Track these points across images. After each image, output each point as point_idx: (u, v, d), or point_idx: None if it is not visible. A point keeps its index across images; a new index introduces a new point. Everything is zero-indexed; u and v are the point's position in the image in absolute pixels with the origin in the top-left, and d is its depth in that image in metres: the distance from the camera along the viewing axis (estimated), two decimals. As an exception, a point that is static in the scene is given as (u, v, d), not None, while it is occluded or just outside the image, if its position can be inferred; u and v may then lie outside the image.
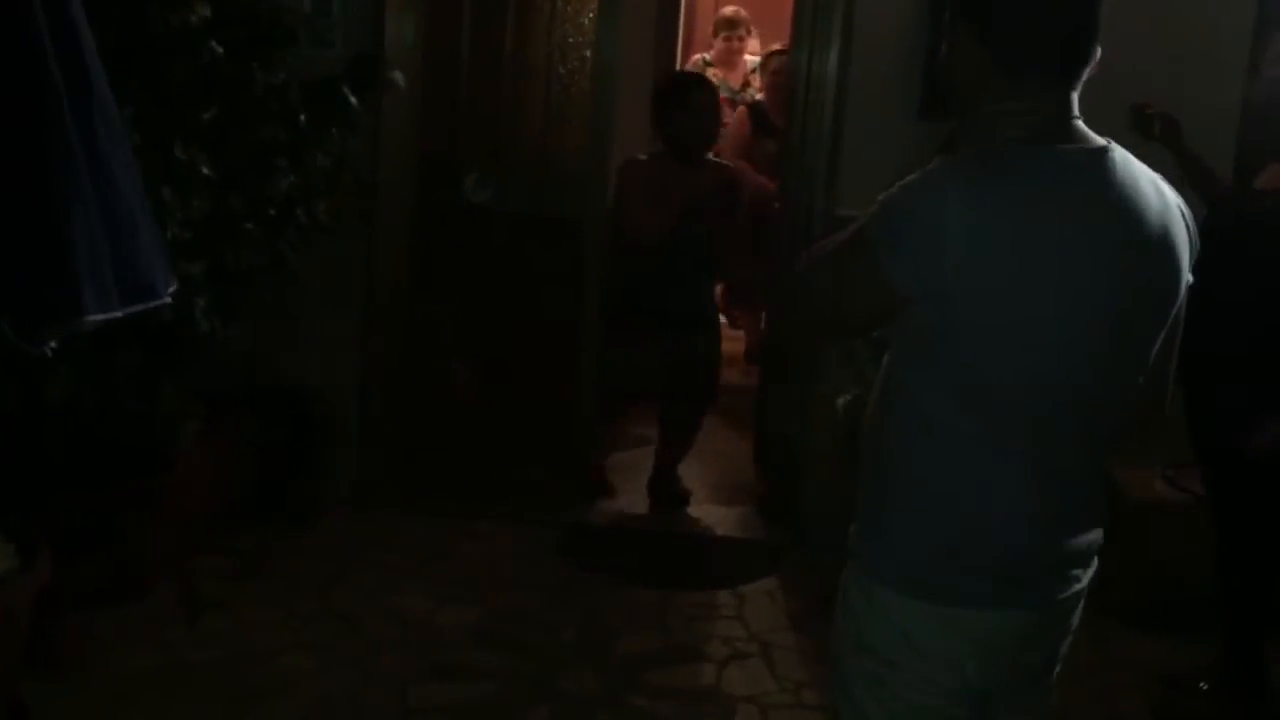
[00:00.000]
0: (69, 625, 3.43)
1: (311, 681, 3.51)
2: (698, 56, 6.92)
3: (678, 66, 6.78)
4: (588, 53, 4.72)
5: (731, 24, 6.69)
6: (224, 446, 4.24)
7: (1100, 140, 1.91)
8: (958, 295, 1.79)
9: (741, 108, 6.21)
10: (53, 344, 2.32)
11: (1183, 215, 1.97)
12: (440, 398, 4.86)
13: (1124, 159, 1.91)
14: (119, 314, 2.32)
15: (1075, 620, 2.08)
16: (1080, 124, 1.90)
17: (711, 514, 4.86)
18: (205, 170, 3.23)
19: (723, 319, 5.57)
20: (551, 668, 3.67)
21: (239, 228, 3.58)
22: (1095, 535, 2.03)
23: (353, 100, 3.69)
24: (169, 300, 2.50)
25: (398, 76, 4.07)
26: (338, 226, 4.11)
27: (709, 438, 5.14)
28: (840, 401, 4.07)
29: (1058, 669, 2.12)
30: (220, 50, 3.24)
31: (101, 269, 2.27)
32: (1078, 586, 2.01)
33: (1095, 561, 2.05)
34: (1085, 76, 1.90)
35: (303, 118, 3.58)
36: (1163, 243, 1.91)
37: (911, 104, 4.27)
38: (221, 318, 3.62)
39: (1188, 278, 1.97)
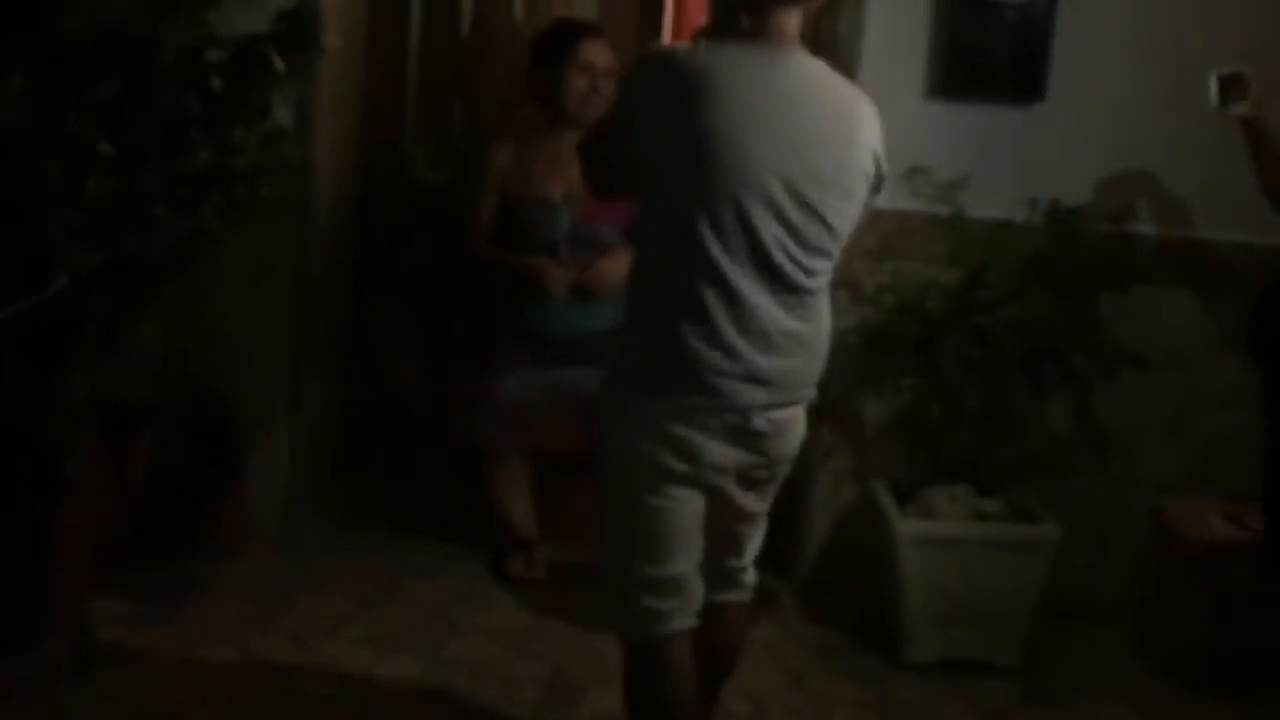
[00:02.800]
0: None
1: (226, 746, 3.36)
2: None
3: (665, 40, 6.57)
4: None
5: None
6: (128, 467, 4.07)
7: (797, 52, 2.75)
8: (661, 145, 2.68)
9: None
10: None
11: (867, 141, 2.82)
12: (385, 410, 4.70)
13: (808, 68, 2.77)
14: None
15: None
16: (787, 38, 2.73)
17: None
18: (103, 146, 3.06)
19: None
20: (508, 733, 3.53)
21: (144, 211, 3.43)
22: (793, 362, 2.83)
23: (278, 63, 3.52)
24: (51, 297, 2.35)
25: (332, 39, 3.90)
26: (264, 211, 3.95)
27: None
28: None
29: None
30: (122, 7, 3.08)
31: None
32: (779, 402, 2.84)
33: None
34: (799, 7, 2.73)
35: (217, 83, 3.42)
36: (825, 135, 2.73)
37: (917, 83, 4.23)
38: (124, 316, 3.46)
39: (863, 187, 2.84)
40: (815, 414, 4.20)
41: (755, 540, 3.11)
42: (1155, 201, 4.22)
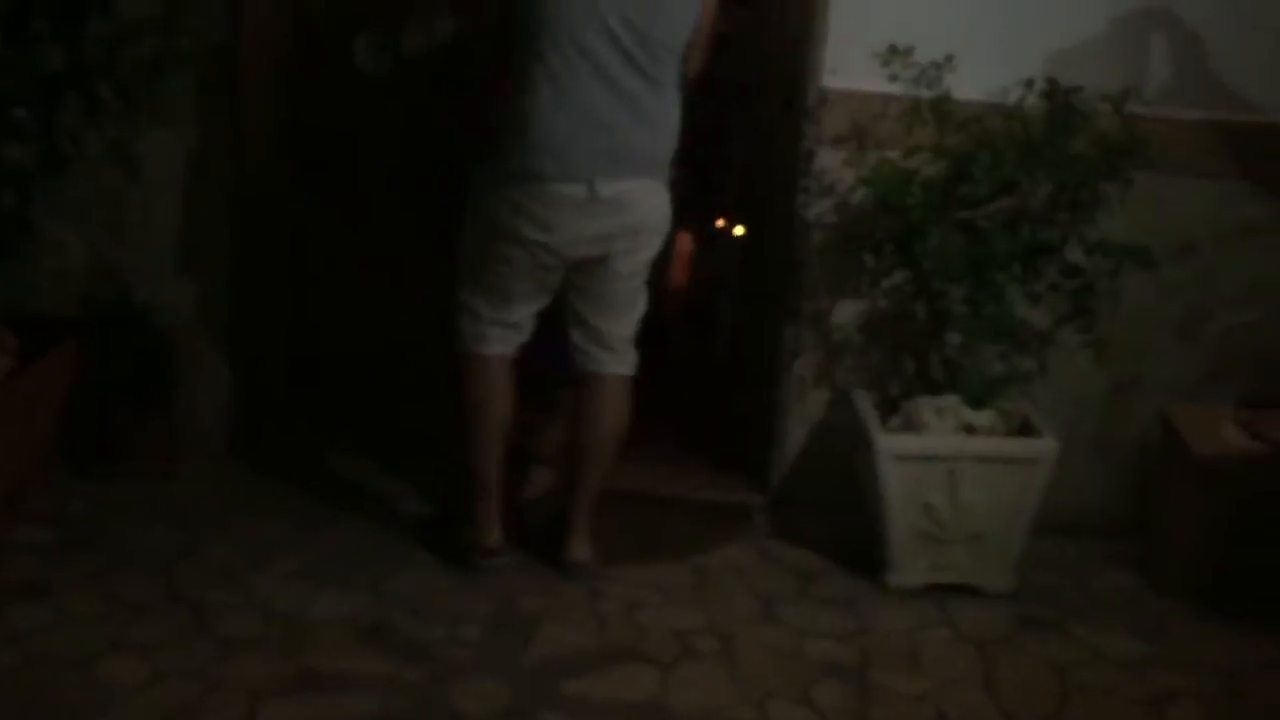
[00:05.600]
0: None
1: (137, 696, 3.00)
2: None
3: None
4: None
5: None
6: (47, 385, 3.70)
7: None
8: None
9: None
10: None
11: None
12: (335, 319, 4.27)
13: None
14: None
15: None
16: None
17: (661, 468, 4.27)
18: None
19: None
20: (449, 676, 3.16)
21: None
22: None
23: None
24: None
25: None
26: (190, 106, 3.67)
27: (652, 375, 4.59)
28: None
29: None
30: None
31: None
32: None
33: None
34: None
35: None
36: None
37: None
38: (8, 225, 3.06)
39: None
40: (787, 313, 3.92)
41: (629, 308, 3.52)
42: (1163, 79, 3.77)
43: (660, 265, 5.43)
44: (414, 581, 3.55)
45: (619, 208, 3.34)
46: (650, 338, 5.13)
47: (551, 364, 3.69)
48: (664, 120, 3.39)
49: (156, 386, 3.98)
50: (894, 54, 3.57)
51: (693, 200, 5.09)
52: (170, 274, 4.04)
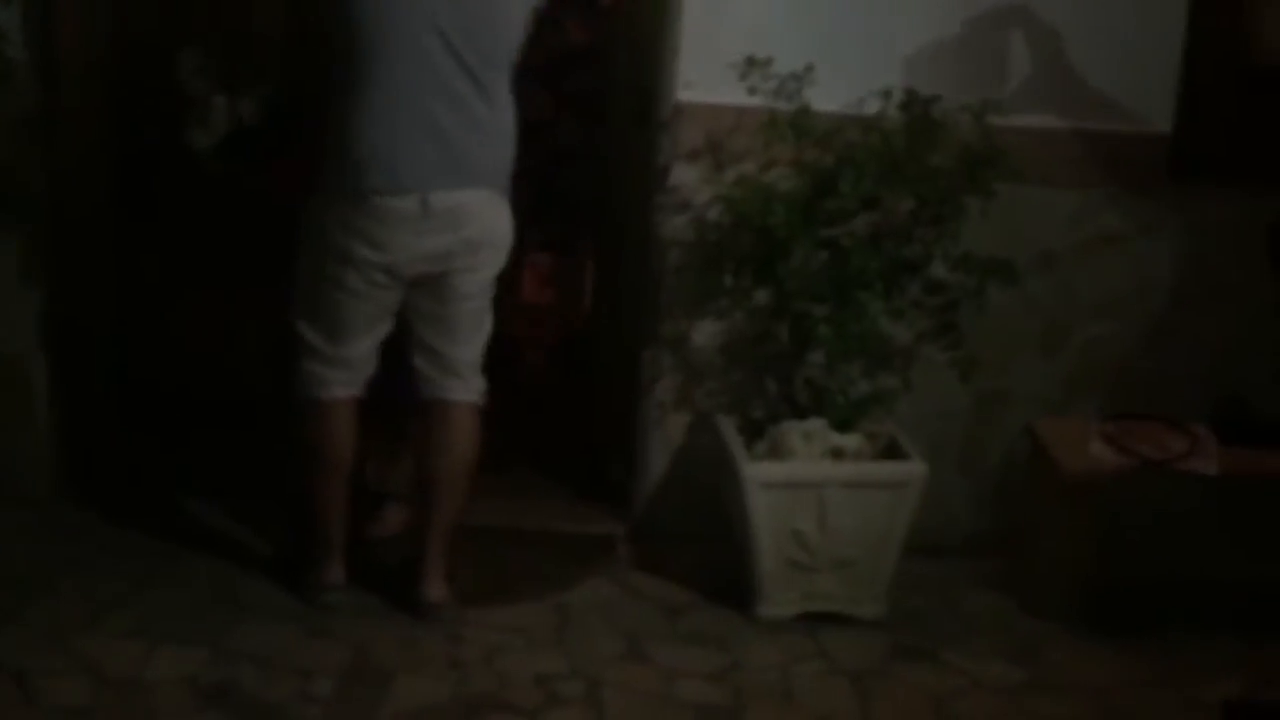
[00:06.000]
0: None
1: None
2: None
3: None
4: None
5: None
6: None
7: None
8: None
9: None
10: None
11: None
12: (165, 356, 4.00)
13: None
14: None
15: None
16: None
17: (517, 500, 4.07)
18: None
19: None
20: (298, 737, 2.95)
21: None
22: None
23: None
24: None
25: None
26: None
27: (509, 404, 4.42)
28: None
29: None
30: None
31: None
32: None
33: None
34: None
35: None
36: None
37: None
38: None
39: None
40: (644, 335, 3.77)
41: (474, 331, 3.36)
42: (1023, 87, 3.68)
43: (511, 282, 5.33)
44: (259, 633, 3.32)
45: (455, 222, 3.19)
46: (501, 360, 5.01)
47: (400, 393, 3.48)
48: (498, 129, 3.25)
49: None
50: (752, 65, 3.43)
51: (553, 219, 4.94)
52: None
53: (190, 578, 3.55)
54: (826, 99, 3.50)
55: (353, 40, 3.12)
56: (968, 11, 3.63)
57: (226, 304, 3.94)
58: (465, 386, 3.37)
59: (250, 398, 3.86)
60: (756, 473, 3.43)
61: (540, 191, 4.81)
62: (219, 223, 3.87)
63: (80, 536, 3.70)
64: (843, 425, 3.53)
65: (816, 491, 3.42)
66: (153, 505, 3.87)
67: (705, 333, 3.77)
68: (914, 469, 3.48)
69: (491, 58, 3.18)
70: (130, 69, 3.84)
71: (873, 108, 3.51)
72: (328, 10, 3.17)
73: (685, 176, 3.65)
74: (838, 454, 3.49)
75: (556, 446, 4.36)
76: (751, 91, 3.47)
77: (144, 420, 3.98)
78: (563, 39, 4.76)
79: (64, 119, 3.70)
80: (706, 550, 3.72)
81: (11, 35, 3.35)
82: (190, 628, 3.31)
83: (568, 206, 4.89)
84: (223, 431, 3.95)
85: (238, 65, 3.72)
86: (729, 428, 3.63)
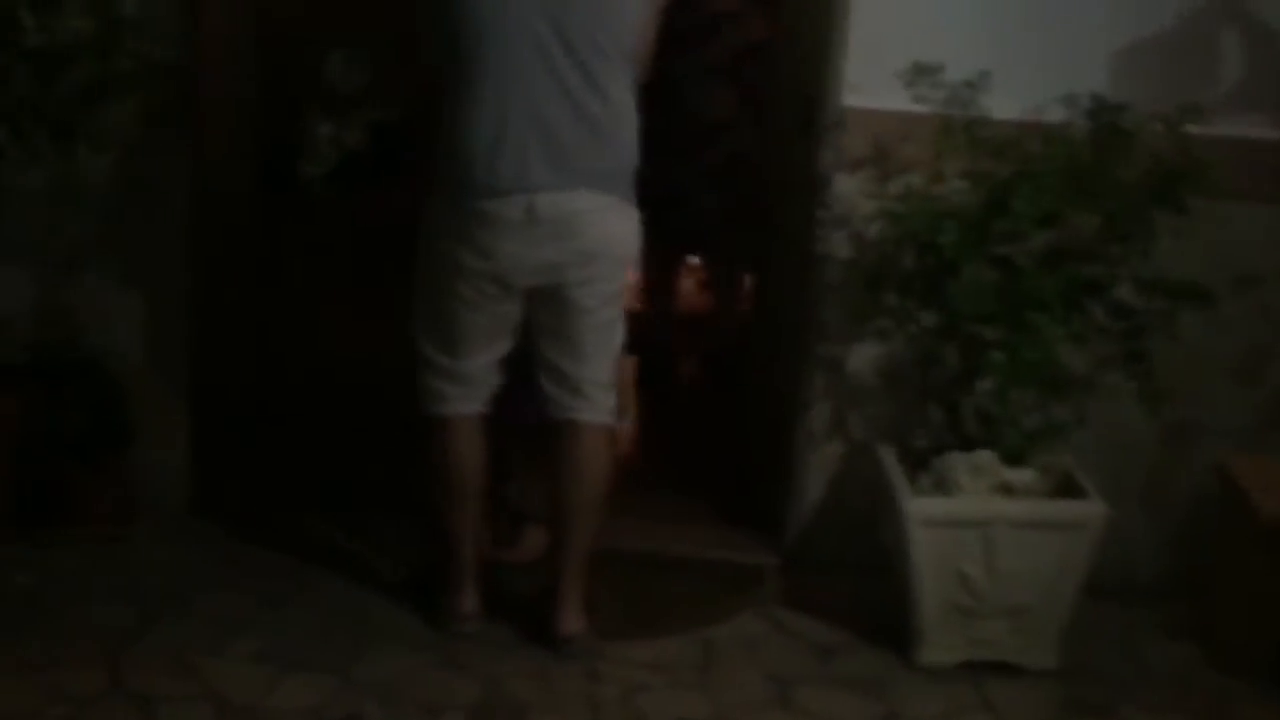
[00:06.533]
0: None
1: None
2: None
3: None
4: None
5: None
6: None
7: None
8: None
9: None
10: None
11: None
12: (307, 366, 3.87)
13: None
14: None
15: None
16: None
17: (662, 524, 3.86)
18: None
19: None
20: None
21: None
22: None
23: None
24: None
25: None
26: (139, 132, 3.35)
27: (660, 418, 4.23)
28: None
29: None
30: None
31: None
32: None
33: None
34: None
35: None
36: None
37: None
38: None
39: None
40: (801, 354, 3.55)
41: (600, 348, 3.15)
42: (1224, 94, 3.36)
43: (663, 292, 5.13)
44: (389, 663, 3.17)
45: (565, 230, 2.99)
46: (656, 370, 4.82)
47: (538, 413, 3.31)
48: (614, 127, 3.04)
49: (111, 440, 3.62)
50: (920, 72, 3.17)
51: (716, 223, 4.73)
52: (124, 317, 3.69)
53: (321, 599, 3.43)
54: (1004, 106, 3.23)
55: (458, 30, 2.96)
56: (1167, 10, 3.33)
57: (369, 315, 3.79)
58: (593, 407, 3.18)
59: (394, 413, 3.71)
60: (919, 508, 3.18)
61: (724, 200, 4.65)
62: (364, 229, 3.71)
63: (213, 553, 3.61)
64: (1014, 458, 3.25)
65: (984, 530, 3.15)
66: (285, 523, 3.74)
67: (865, 355, 3.53)
68: (1092, 508, 3.19)
69: (605, 49, 2.96)
70: (275, 58, 3.72)
71: (1056, 116, 3.23)
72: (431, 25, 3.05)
73: (847, 187, 3.41)
74: (1008, 490, 3.22)
75: (707, 465, 4.16)
76: (918, 100, 3.21)
77: (283, 435, 3.85)
78: (744, 34, 4.55)
79: (204, 122, 3.60)
80: (863, 584, 3.49)
81: (149, 28, 3.21)
82: (317, 653, 3.18)
83: (735, 212, 4.67)
84: (364, 447, 3.80)
85: (384, 65, 3.57)
86: (889, 457, 3.37)
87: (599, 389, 3.18)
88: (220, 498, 3.78)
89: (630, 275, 4.98)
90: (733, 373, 4.38)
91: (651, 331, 5.08)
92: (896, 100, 3.27)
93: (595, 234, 3.03)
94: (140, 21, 3.14)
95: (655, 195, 4.55)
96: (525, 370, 3.24)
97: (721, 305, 5.14)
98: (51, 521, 3.58)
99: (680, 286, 5.30)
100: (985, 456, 3.24)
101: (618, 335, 3.21)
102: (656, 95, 4.53)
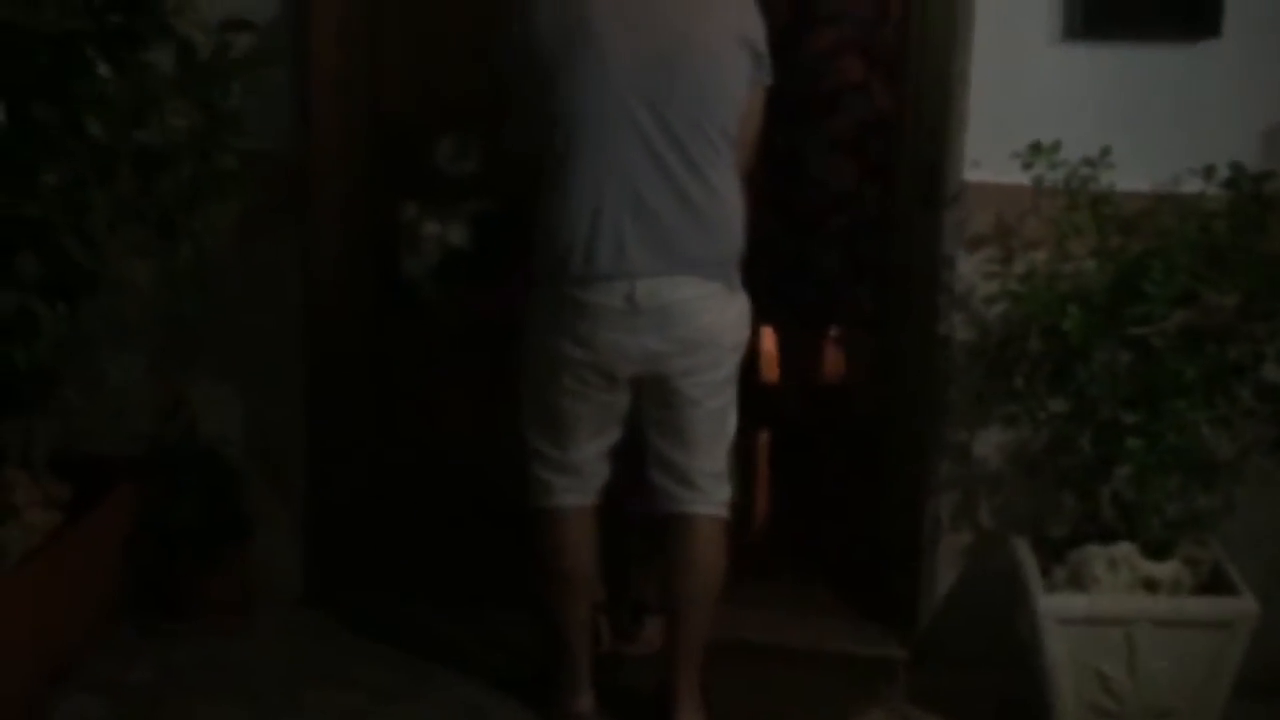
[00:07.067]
0: None
1: None
2: None
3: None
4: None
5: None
6: (101, 538, 3.37)
7: None
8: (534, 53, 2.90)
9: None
10: None
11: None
12: (421, 457, 3.81)
13: None
14: None
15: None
16: None
17: (783, 613, 3.73)
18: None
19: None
20: None
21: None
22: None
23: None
24: None
25: None
26: (258, 223, 3.33)
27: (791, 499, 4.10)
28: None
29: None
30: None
31: None
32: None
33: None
34: None
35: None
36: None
37: (1048, 20, 3.19)
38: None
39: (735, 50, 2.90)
40: (930, 439, 3.40)
41: (711, 438, 3.06)
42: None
43: (794, 364, 5.02)
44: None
45: (666, 319, 2.88)
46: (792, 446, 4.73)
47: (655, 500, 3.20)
48: (717, 211, 2.91)
49: (227, 531, 3.59)
50: (1037, 152, 3.03)
51: (839, 286, 4.64)
52: (241, 407, 3.68)
53: (435, 693, 3.34)
54: (1135, 177, 3.06)
55: (556, 112, 2.87)
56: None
57: (484, 404, 3.71)
58: (705, 499, 3.07)
59: (507, 505, 3.63)
60: (1053, 606, 3.00)
61: (845, 263, 4.58)
62: (472, 320, 3.65)
63: (327, 646, 3.55)
64: (1157, 551, 3.06)
65: (1125, 629, 2.96)
66: (403, 614, 3.67)
67: (993, 440, 3.35)
68: (1243, 605, 2.98)
69: (707, 132, 2.87)
70: (386, 149, 3.69)
71: (1191, 187, 3.04)
72: (529, 84, 2.93)
73: (969, 266, 3.26)
74: (1150, 585, 3.02)
75: (837, 550, 4.03)
76: (1037, 182, 3.06)
77: (398, 524, 3.79)
78: (869, 106, 4.47)
79: (316, 211, 3.59)
80: (997, 681, 3.29)
81: (253, 122, 3.18)
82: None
83: (858, 273, 4.58)
84: (478, 539, 3.73)
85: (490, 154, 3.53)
86: (1023, 548, 3.19)
87: (711, 479, 3.07)
88: (334, 589, 3.73)
89: (768, 344, 4.94)
90: (869, 451, 4.24)
91: (784, 406, 4.97)
92: (1019, 174, 3.12)
93: (699, 323, 2.92)
94: (243, 115, 3.10)
95: (779, 264, 4.54)
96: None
97: (850, 374, 5.04)
98: (168, 614, 3.57)
99: (813, 359, 5.17)
100: (1125, 549, 3.05)
101: (730, 423, 3.10)
102: (781, 166, 4.50)
